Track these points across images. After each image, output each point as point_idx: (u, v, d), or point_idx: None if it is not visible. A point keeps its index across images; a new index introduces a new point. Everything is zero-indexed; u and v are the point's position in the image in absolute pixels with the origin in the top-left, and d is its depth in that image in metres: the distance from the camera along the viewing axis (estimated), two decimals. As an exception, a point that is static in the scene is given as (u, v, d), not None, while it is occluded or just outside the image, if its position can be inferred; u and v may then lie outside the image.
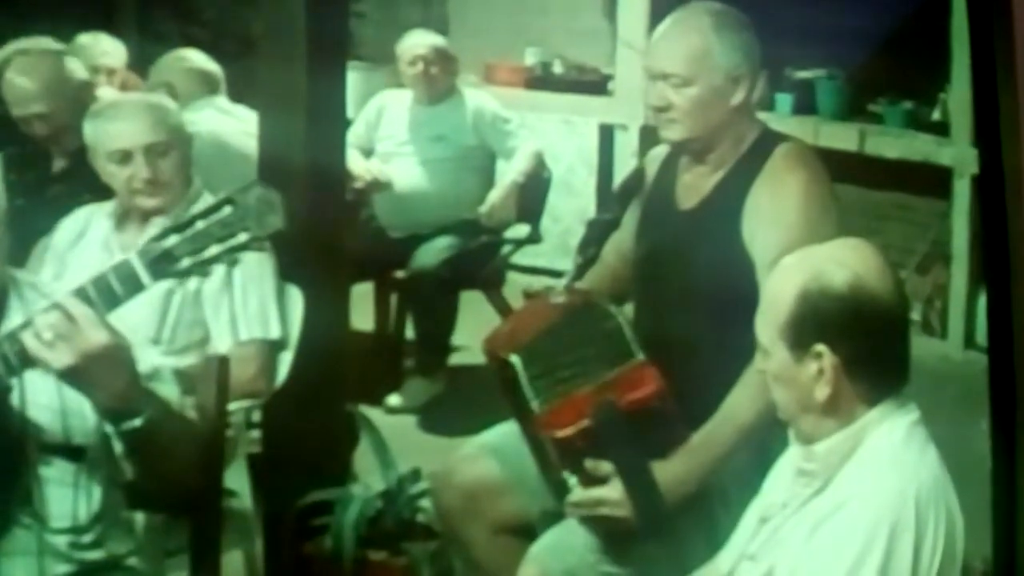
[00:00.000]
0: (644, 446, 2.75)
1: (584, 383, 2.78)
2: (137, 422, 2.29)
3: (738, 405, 2.73)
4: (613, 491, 2.74)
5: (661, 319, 2.96)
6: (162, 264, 2.21)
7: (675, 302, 2.94)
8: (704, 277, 2.87)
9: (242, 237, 2.23)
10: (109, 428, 2.34)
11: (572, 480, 2.78)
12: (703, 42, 2.86)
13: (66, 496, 2.43)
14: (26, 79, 4.03)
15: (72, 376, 2.22)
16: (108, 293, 2.23)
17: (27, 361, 2.23)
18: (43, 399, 2.38)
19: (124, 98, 3.66)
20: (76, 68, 4.16)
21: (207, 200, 3.46)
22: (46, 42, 4.23)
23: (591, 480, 2.76)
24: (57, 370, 2.21)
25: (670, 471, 2.74)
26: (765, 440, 2.66)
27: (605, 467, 2.75)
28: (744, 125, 2.92)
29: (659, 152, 3.11)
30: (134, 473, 2.44)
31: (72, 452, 2.42)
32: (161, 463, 2.42)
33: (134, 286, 2.23)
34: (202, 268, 2.23)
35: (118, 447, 2.40)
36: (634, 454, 2.75)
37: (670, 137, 2.95)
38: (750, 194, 2.84)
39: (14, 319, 2.38)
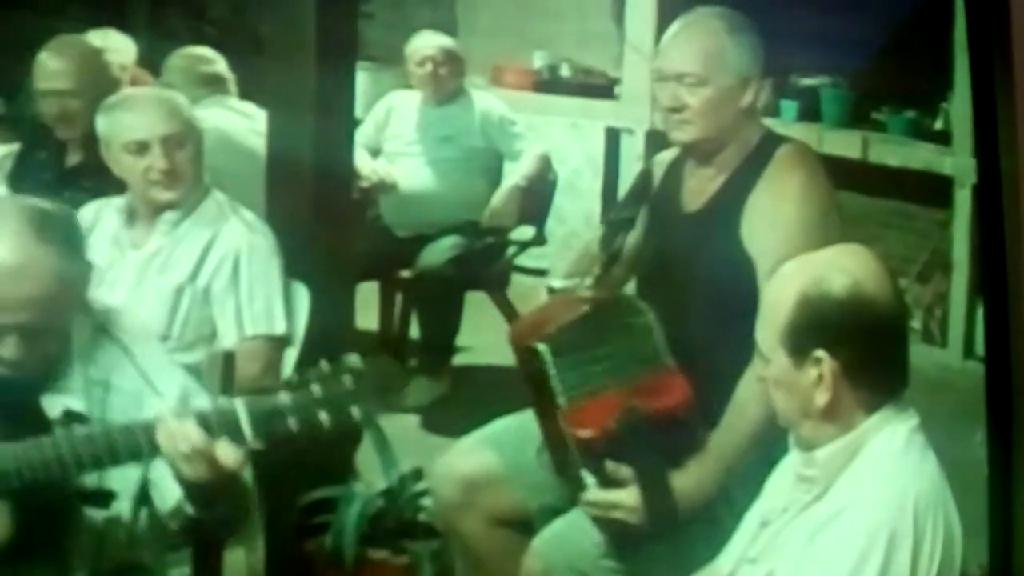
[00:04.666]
0: (665, 453, 2.77)
1: (612, 383, 2.79)
2: (219, 509, 2.31)
3: (744, 408, 2.74)
4: (630, 497, 2.75)
5: (670, 321, 2.96)
6: (269, 421, 2.16)
7: (683, 304, 2.94)
8: (710, 279, 2.89)
9: (355, 412, 2.17)
10: (188, 509, 2.33)
11: (590, 479, 2.79)
12: (717, 43, 2.90)
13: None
14: (58, 59, 4.09)
15: (196, 486, 2.20)
16: (206, 430, 2.18)
17: (155, 451, 2.19)
18: None
19: (137, 92, 3.68)
20: (109, 63, 4.21)
21: (216, 198, 3.52)
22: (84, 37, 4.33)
23: (609, 482, 2.77)
24: (186, 480, 2.19)
25: (687, 480, 2.76)
26: (769, 443, 2.67)
27: (625, 472, 2.76)
28: (749, 128, 2.96)
29: (665, 157, 3.13)
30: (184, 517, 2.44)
31: (103, 497, 2.40)
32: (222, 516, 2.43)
33: (233, 435, 2.19)
34: (307, 431, 2.17)
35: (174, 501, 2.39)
36: (655, 463, 2.76)
37: (681, 138, 2.97)
38: (750, 196, 2.87)
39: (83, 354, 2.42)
